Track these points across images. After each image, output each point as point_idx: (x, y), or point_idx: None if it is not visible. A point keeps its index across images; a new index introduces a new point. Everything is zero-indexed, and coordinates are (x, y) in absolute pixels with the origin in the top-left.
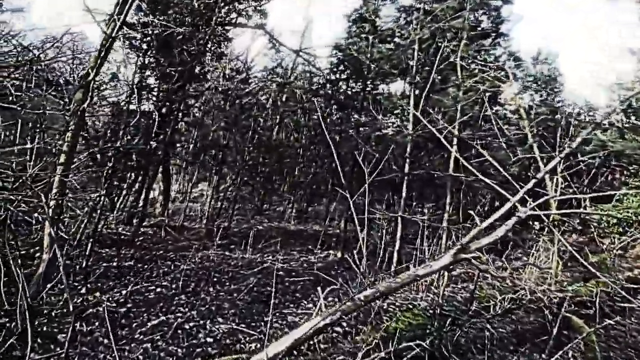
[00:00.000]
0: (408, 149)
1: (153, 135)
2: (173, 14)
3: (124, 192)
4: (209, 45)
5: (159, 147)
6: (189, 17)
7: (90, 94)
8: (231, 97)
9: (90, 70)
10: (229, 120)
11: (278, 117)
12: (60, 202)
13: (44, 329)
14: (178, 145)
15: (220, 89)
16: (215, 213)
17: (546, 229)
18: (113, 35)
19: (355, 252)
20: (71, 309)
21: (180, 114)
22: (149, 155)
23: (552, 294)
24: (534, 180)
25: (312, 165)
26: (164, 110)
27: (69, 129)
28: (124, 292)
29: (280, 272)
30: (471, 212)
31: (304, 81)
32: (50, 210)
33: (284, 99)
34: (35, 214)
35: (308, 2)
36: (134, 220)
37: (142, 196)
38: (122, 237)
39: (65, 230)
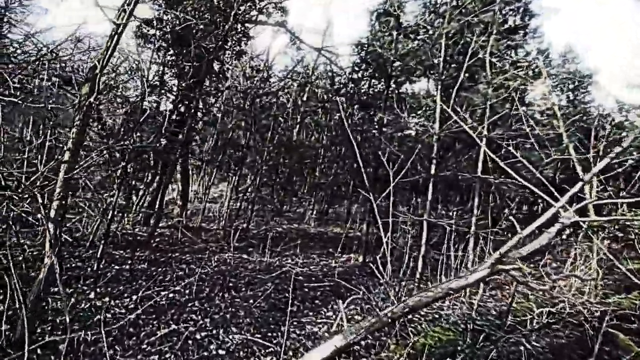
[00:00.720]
0: (434, 150)
1: (168, 133)
2: (191, 11)
3: (141, 192)
4: (228, 43)
5: (174, 146)
6: (207, 14)
7: (97, 87)
8: (251, 96)
9: (97, 63)
10: (248, 119)
11: (299, 117)
12: (63, 202)
13: (46, 337)
14: (195, 144)
15: (240, 88)
16: (233, 214)
17: (580, 234)
18: (121, 23)
19: (378, 257)
20: (67, 318)
21: (199, 113)
22: (165, 154)
23: (593, 307)
24: (580, 184)
25: (333, 166)
26: (182, 108)
27: (74, 124)
28: (134, 297)
29: (300, 277)
30: (511, 217)
31: (326, 80)
32: (53, 211)
33: (304, 99)
34: (39, 215)
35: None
36: (151, 221)
37: (159, 196)
38: (139, 238)
39: (71, 232)
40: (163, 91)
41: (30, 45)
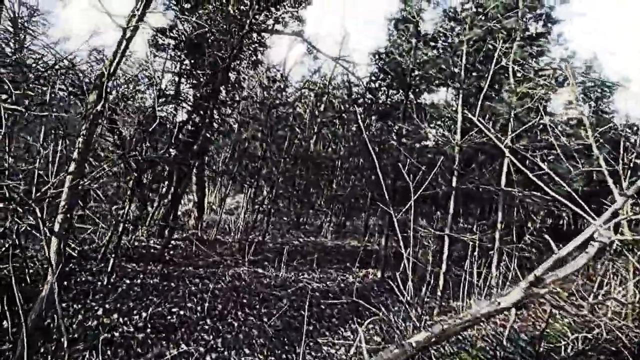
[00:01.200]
0: (456, 161)
1: (181, 144)
2: (207, 20)
3: (155, 203)
4: (244, 52)
5: (186, 156)
6: (223, 24)
7: (105, 95)
8: (267, 106)
9: (104, 69)
10: (265, 130)
11: (315, 127)
12: (68, 215)
13: (48, 358)
14: (211, 155)
15: (256, 98)
16: (249, 226)
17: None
18: (129, 27)
19: (398, 274)
20: (65, 341)
21: (214, 123)
22: (178, 165)
23: (632, 332)
24: (622, 199)
25: (351, 178)
26: (196, 118)
27: (81, 133)
28: (144, 314)
29: (316, 293)
30: (546, 236)
31: (343, 90)
32: (58, 224)
33: (321, 109)
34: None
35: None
36: (166, 233)
37: (174, 208)
38: (152, 250)
39: (82, 244)
40: (178, 101)
41: (48, 56)
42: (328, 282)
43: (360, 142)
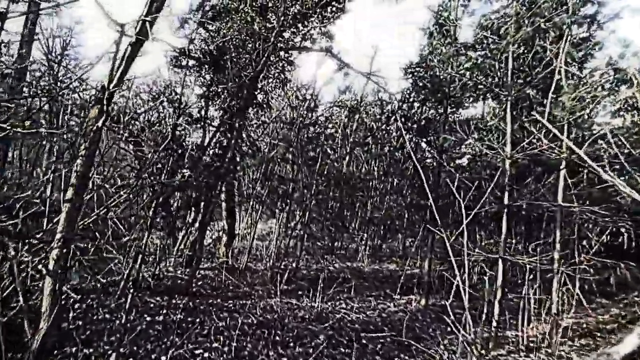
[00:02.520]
0: (506, 176)
1: (204, 168)
2: (230, 40)
3: (182, 232)
4: (271, 71)
5: (213, 181)
6: (249, 42)
7: (107, 109)
8: (297, 127)
9: (105, 82)
10: (295, 151)
11: (348, 147)
12: (65, 250)
13: None
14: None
15: (285, 119)
16: (282, 253)
17: None
18: (132, 34)
19: (448, 302)
20: None
21: (242, 146)
22: (206, 189)
23: None
24: None
25: (385, 199)
26: (224, 141)
27: (80, 154)
28: (163, 359)
29: (355, 325)
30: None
31: (375, 108)
32: (52, 261)
33: (353, 128)
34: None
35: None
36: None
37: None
38: (180, 281)
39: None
40: (203, 123)
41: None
42: (368, 312)
43: (395, 161)
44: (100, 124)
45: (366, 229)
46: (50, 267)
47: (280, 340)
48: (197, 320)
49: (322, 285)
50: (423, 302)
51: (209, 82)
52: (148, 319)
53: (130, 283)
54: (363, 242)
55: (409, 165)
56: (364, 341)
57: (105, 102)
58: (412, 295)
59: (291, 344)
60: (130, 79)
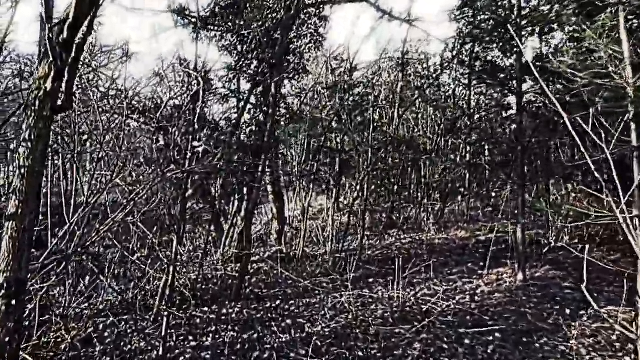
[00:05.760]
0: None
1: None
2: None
3: (227, 225)
4: (303, 31)
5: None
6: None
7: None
8: (340, 90)
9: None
10: (342, 118)
11: (396, 108)
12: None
13: None
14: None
15: (325, 84)
16: (340, 233)
17: None
18: None
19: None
20: None
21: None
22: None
23: None
24: None
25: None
26: (260, 116)
27: (26, 139)
28: None
29: (449, 318)
30: None
31: (422, 61)
32: None
33: (400, 87)
34: None
35: None
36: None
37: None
38: (229, 280)
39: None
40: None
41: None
42: (457, 297)
43: (451, 118)
44: (52, 83)
45: (425, 195)
46: None
47: (364, 355)
48: (255, 336)
49: (393, 266)
50: (520, 276)
51: (238, 51)
52: (193, 344)
53: (166, 299)
54: (424, 210)
55: (465, 121)
56: (466, 341)
57: (62, 46)
58: (500, 269)
59: (373, 350)
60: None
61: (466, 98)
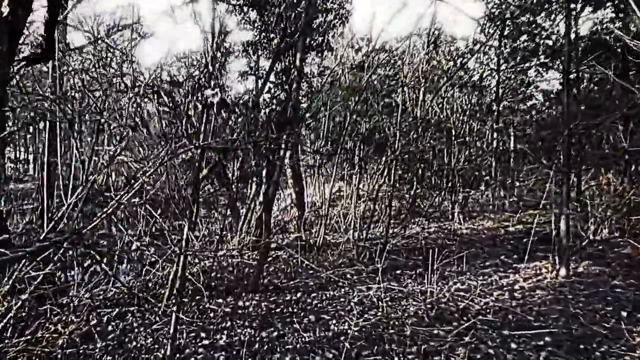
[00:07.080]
0: None
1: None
2: None
3: (244, 209)
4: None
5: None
6: None
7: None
8: (366, 70)
9: None
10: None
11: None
12: None
13: None
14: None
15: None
16: (363, 221)
17: None
18: None
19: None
20: None
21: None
22: (264, 154)
23: None
24: None
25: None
26: (281, 94)
27: None
28: None
29: (489, 317)
30: None
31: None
32: None
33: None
34: None
35: None
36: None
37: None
38: (246, 269)
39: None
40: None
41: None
42: (495, 293)
43: (479, 103)
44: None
45: (450, 182)
46: None
47: (386, 352)
48: (275, 334)
49: (428, 260)
50: (563, 272)
51: (258, 25)
52: (205, 342)
53: (175, 293)
54: (450, 198)
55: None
56: (513, 345)
57: None
58: (537, 262)
59: (402, 354)
60: None
61: (495, 82)
